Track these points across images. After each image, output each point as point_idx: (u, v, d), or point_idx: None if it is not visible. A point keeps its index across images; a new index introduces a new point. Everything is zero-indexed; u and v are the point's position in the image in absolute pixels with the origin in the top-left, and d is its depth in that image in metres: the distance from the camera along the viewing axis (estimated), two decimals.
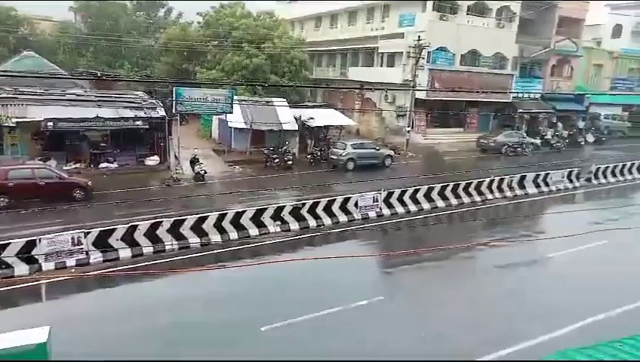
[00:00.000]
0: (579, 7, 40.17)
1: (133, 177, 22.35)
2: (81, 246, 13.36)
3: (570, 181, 23.56)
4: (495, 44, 36.25)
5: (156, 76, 38.57)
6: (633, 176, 25.84)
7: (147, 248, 14.11)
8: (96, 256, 13.47)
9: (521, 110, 37.02)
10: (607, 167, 25.20)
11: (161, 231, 14.35)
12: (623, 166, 25.72)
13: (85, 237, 13.38)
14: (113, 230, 13.79)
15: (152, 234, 14.23)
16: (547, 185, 22.68)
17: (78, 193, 18.69)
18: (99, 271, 12.82)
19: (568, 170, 23.87)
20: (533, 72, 40.34)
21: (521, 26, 37.42)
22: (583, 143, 36.82)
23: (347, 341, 9.86)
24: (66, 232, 13.41)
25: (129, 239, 13.93)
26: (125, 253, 13.80)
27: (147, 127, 23.78)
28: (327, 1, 42.00)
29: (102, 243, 13.61)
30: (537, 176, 22.52)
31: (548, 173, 22.85)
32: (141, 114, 23.79)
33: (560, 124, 39.19)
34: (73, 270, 12.97)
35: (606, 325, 10.34)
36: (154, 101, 25.58)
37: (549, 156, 31.63)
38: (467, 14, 35.23)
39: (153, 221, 14.42)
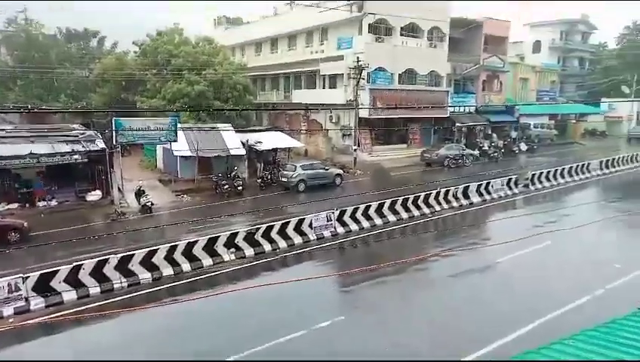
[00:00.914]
0: (502, 25, 43.23)
1: (74, 214, 21.19)
2: (19, 293, 12.39)
3: (510, 188, 24.88)
4: (429, 62, 38.14)
5: (94, 106, 37.04)
6: (565, 179, 27.74)
7: (94, 288, 13.31)
8: (37, 302, 12.53)
9: (458, 124, 38.90)
10: (542, 172, 26.88)
11: (108, 269, 13.62)
12: (555, 171, 27.55)
13: (24, 282, 12.42)
14: (55, 272, 12.91)
15: (98, 273, 13.46)
16: (489, 193, 23.81)
17: (13, 235, 17.48)
18: (40, 318, 11.92)
19: (507, 177, 25.22)
20: (466, 88, 42.75)
21: (451, 45, 39.67)
22: (517, 152, 39.16)
23: None
24: (1, 279, 12.40)
25: (73, 280, 13.10)
26: (70, 295, 12.94)
27: (86, 160, 22.66)
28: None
29: (43, 287, 12.69)
30: (479, 185, 23.61)
31: (489, 182, 24.03)
32: (79, 147, 22.68)
33: (495, 135, 41.57)
34: (11, 320, 11.98)
35: (553, 326, 10.82)
36: (92, 133, 24.53)
37: (488, 166, 33.34)
38: (401, 35, 36.89)
39: (99, 259, 13.66)
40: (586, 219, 18.80)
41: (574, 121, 51.69)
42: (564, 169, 28.05)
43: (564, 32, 58.14)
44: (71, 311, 12.27)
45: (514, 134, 42.93)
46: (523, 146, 40.47)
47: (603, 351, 5.05)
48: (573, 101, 51.64)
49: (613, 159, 31.78)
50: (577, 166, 28.98)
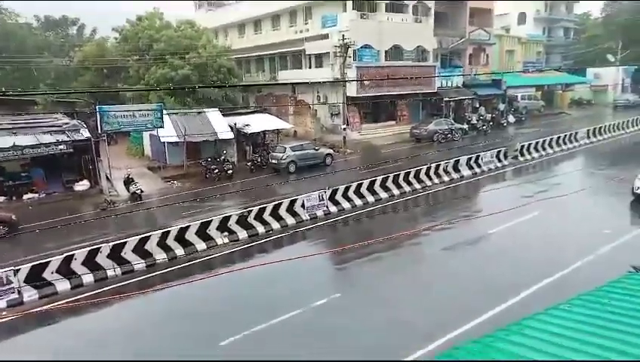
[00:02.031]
0: None
1: (63, 205, 20.89)
2: (11, 286, 12.24)
3: (500, 160, 24.98)
4: (415, 38, 37.70)
5: (76, 96, 36.19)
6: (553, 149, 27.91)
7: (87, 277, 13.20)
8: (30, 294, 12.41)
9: (446, 98, 38.78)
10: (530, 143, 27.01)
11: (100, 258, 13.50)
12: (544, 141, 27.70)
13: (15, 274, 12.27)
14: (47, 263, 12.76)
15: (91, 262, 13.34)
16: (479, 166, 23.90)
17: (1, 229, 17.22)
18: (35, 309, 11.82)
19: (496, 150, 25.30)
20: (453, 62, 42.52)
21: (437, 19, 39.23)
22: (505, 124, 39.22)
23: (310, 341, 9.79)
24: None
25: (66, 270, 12.97)
26: (63, 285, 12.84)
27: (72, 150, 22.24)
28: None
29: (35, 278, 12.55)
30: (469, 158, 23.66)
31: (479, 155, 24.08)
32: (63, 137, 22.23)
33: (483, 109, 41.48)
34: (4, 312, 11.86)
35: (545, 294, 10.98)
36: (76, 123, 24.04)
37: (477, 139, 33.42)
38: (386, 11, 36.39)
39: (90, 248, 13.53)
40: (574, 188, 19.01)
41: (561, 92, 51.86)
42: (552, 139, 28.19)
43: (548, 3, 57.89)
44: (66, 301, 12.20)
45: (502, 107, 42.84)
46: (511, 118, 40.52)
47: (600, 314, 5.08)
48: (560, 71, 51.70)
49: (600, 127, 32.01)
50: (565, 135, 29.14)
